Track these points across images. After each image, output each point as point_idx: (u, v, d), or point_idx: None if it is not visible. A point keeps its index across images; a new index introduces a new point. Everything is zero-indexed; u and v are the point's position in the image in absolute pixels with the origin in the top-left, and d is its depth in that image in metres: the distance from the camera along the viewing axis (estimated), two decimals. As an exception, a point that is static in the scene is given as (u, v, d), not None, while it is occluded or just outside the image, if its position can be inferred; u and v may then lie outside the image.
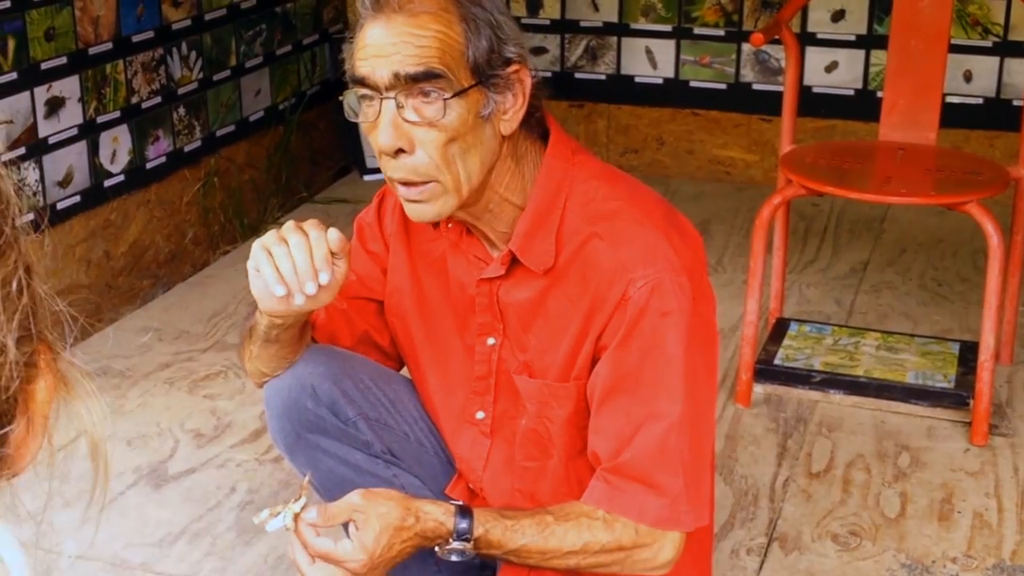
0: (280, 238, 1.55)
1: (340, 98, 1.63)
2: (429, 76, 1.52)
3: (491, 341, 1.73)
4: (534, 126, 1.69)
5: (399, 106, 1.53)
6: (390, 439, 1.87)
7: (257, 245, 1.57)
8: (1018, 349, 3.17)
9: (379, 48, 1.53)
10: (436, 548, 1.61)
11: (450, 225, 1.72)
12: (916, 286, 3.59)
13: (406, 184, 1.59)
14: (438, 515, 1.60)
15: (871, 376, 2.96)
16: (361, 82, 1.55)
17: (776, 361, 3.02)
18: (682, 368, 1.58)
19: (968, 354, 3.00)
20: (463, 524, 1.59)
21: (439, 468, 1.90)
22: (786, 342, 3.11)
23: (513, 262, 1.66)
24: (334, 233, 1.56)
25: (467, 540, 1.59)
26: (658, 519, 1.61)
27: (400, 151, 1.56)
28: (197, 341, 3.27)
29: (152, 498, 2.58)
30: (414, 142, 1.55)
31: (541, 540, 1.60)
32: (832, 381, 2.95)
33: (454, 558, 1.60)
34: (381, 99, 1.54)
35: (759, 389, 2.97)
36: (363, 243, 1.83)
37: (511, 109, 1.58)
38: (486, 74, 1.55)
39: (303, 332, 1.76)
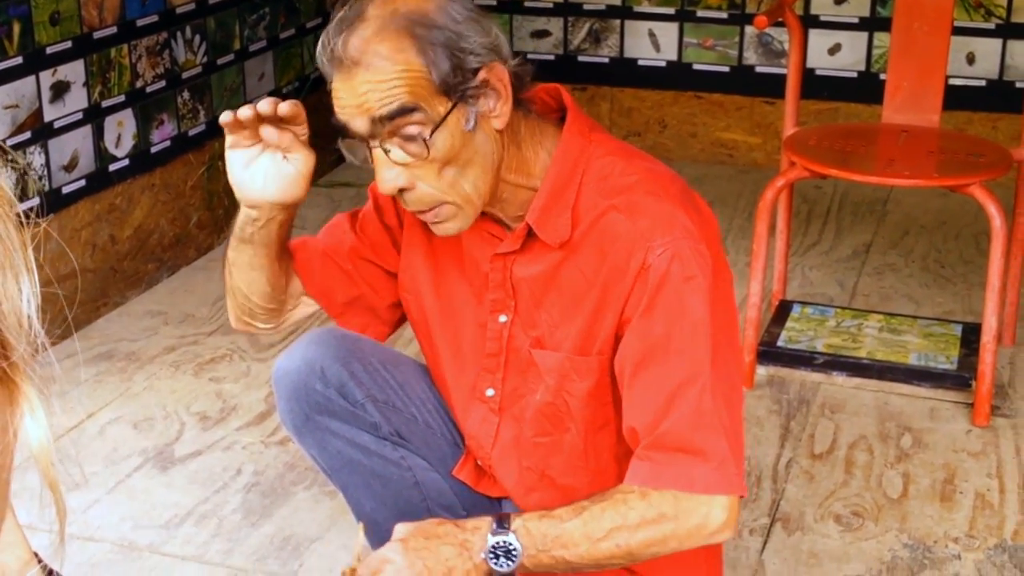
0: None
1: (337, 146, 1.64)
2: (404, 111, 1.53)
3: (503, 319, 1.74)
4: (545, 98, 1.70)
5: (386, 151, 1.56)
6: (398, 421, 1.88)
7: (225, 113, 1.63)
8: (1020, 331, 3.18)
9: (348, 100, 1.55)
10: (483, 555, 1.55)
11: None
12: (919, 268, 3.60)
13: (422, 212, 1.62)
14: (475, 521, 1.60)
15: (874, 358, 2.97)
16: (344, 129, 1.58)
17: (779, 343, 3.04)
18: (709, 331, 1.58)
19: (970, 336, 3.01)
20: (500, 521, 1.57)
21: (447, 450, 1.92)
22: (789, 324, 3.13)
23: (528, 236, 1.67)
24: (285, 104, 1.61)
25: (506, 528, 1.55)
26: (708, 485, 1.57)
27: (403, 190, 1.58)
28: (202, 324, 3.28)
29: (159, 480, 2.60)
30: (412, 178, 1.57)
31: (581, 523, 1.56)
32: (835, 363, 2.97)
33: (500, 565, 1.55)
34: (370, 148, 1.57)
35: (762, 371, 2.98)
36: (377, 210, 1.84)
37: (496, 106, 1.59)
38: (458, 90, 1.55)
39: (279, 240, 1.75)
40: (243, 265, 1.76)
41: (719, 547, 1.89)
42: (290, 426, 1.88)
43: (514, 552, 1.54)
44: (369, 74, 1.52)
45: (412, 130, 1.54)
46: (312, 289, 1.84)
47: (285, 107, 1.59)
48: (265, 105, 1.59)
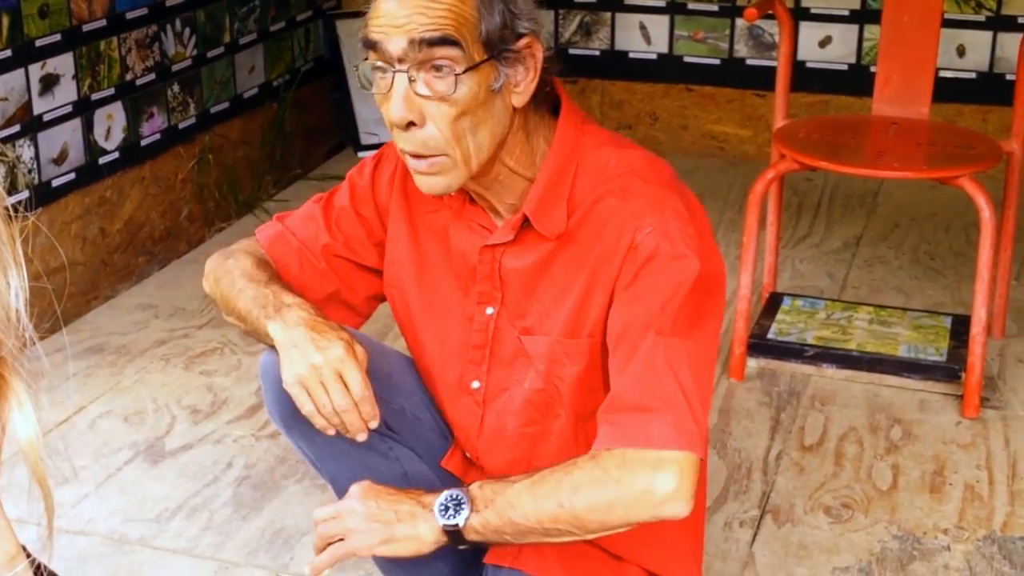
0: (322, 390, 1.62)
1: (355, 65, 1.63)
2: (445, 42, 1.52)
3: (489, 311, 1.74)
4: (544, 99, 1.70)
5: (411, 80, 1.54)
6: (385, 412, 1.88)
7: (297, 384, 1.64)
8: (1010, 322, 3.19)
9: (393, 18, 1.54)
10: (435, 508, 1.59)
11: (452, 194, 1.73)
12: (909, 260, 3.61)
13: (416, 156, 1.60)
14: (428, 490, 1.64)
15: (864, 350, 2.98)
16: (373, 47, 1.56)
17: (769, 335, 3.04)
18: (682, 301, 1.56)
19: (960, 327, 3.02)
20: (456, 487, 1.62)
21: (435, 441, 1.92)
22: (779, 316, 3.13)
23: (523, 228, 1.67)
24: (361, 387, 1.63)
25: (463, 489, 1.58)
26: (664, 439, 1.50)
27: (411, 124, 1.57)
28: (193, 318, 3.28)
29: (149, 474, 2.60)
30: (425, 116, 1.56)
31: (529, 483, 1.56)
32: (825, 355, 2.97)
33: (449, 516, 1.57)
34: (394, 72, 1.55)
35: (752, 363, 2.98)
36: (353, 203, 1.83)
37: (523, 82, 1.60)
38: (498, 48, 1.55)
39: None
40: (242, 324, 1.79)
41: (699, 529, 1.88)
42: (278, 419, 1.88)
43: (462, 504, 1.57)
44: None
45: (444, 62, 1.53)
46: (291, 283, 1.82)
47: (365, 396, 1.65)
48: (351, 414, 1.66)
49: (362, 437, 1.64)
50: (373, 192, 1.82)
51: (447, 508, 1.58)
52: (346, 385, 1.61)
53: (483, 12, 1.54)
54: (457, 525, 1.57)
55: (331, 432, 1.65)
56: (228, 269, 1.79)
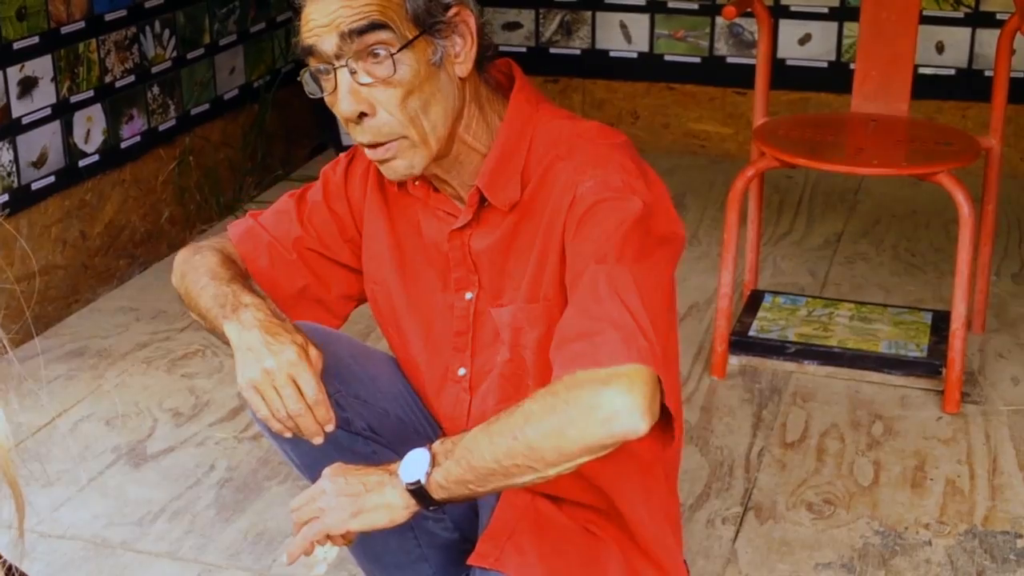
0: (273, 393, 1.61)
1: (298, 79, 1.65)
2: (373, 27, 1.55)
3: (468, 295, 1.74)
4: (491, 73, 1.71)
5: (352, 72, 1.57)
6: (369, 416, 1.88)
7: (251, 389, 1.62)
8: (990, 318, 3.20)
9: (320, 19, 1.57)
10: (400, 475, 1.56)
11: (416, 183, 1.74)
12: (890, 257, 3.62)
13: (374, 145, 1.62)
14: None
15: (845, 346, 2.99)
16: (311, 53, 1.59)
17: (751, 333, 3.05)
18: (627, 235, 1.52)
19: (940, 323, 3.03)
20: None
21: (419, 443, 1.90)
22: (760, 314, 3.14)
23: (480, 205, 1.68)
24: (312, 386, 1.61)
25: (426, 447, 1.56)
26: (614, 354, 1.42)
27: (362, 115, 1.59)
28: (174, 320, 3.27)
29: (131, 477, 2.59)
30: (374, 104, 1.58)
31: (484, 425, 1.52)
32: (806, 352, 2.98)
33: (412, 475, 1.55)
34: (335, 68, 1.58)
35: (734, 361, 2.99)
36: (326, 198, 1.83)
37: (462, 51, 1.62)
38: (428, 22, 1.58)
39: None
40: (204, 320, 1.77)
41: (676, 511, 1.88)
42: (263, 424, 1.87)
43: (422, 459, 1.53)
44: None
45: (380, 49, 1.56)
46: (260, 280, 1.83)
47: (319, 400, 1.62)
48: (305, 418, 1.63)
49: (318, 440, 1.63)
50: (346, 188, 1.82)
51: (409, 468, 1.54)
52: (300, 389, 1.60)
53: None
54: (419, 481, 1.53)
55: (287, 435, 1.64)
56: (194, 265, 1.78)
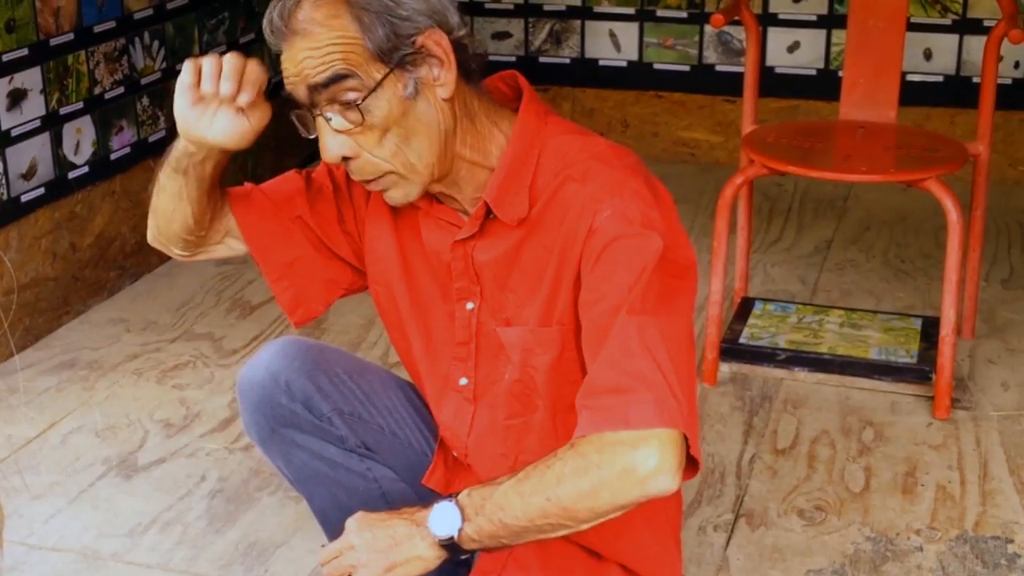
0: (209, 56, 1.60)
1: (291, 117, 1.64)
2: (337, 78, 1.55)
3: (470, 306, 1.74)
4: (502, 86, 1.71)
5: (327, 119, 1.58)
6: (364, 432, 1.88)
7: (188, 62, 1.61)
8: (979, 323, 3.21)
9: (290, 69, 1.58)
10: (432, 529, 1.57)
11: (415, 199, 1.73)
12: (879, 263, 3.63)
13: (367, 182, 1.63)
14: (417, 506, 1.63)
15: (835, 353, 2.99)
16: (291, 101, 1.60)
17: (741, 340, 3.05)
18: (651, 281, 1.54)
19: (930, 329, 3.03)
20: (450, 496, 1.60)
21: (414, 459, 1.91)
22: (751, 321, 3.14)
23: (486, 218, 1.67)
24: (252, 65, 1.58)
25: (452, 499, 1.57)
26: (645, 418, 1.47)
27: (346, 158, 1.60)
28: (165, 331, 3.27)
29: (122, 489, 2.59)
30: (355, 147, 1.59)
31: (514, 481, 1.54)
32: (797, 359, 2.99)
33: (443, 529, 1.56)
34: (313, 116, 1.59)
35: (725, 368, 3.00)
36: (334, 190, 1.81)
37: (440, 74, 1.59)
38: (394, 57, 1.56)
39: (212, 177, 1.72)
40: (172, 193, 1.73)
41: (677, 528, 1.89)
42: (255, 438, 1.87)
43: (454, 514, 1.56)
44: (306, 42, 1.55)
45: (349, 96, 1.56)
46: (252, 244, 1.81)
47: (252, 68, 1.58)
48: (230, 64, 1.57)
49: (243, 99, 1.57)
50: (349, 186, 1.81)
51: (439, 522, 1.57)
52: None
53: (364, 30, 1.55)
54: (452, 537, 1.56)
55: (209, 91, 1.59)
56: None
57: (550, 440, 1.71)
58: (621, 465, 1.47)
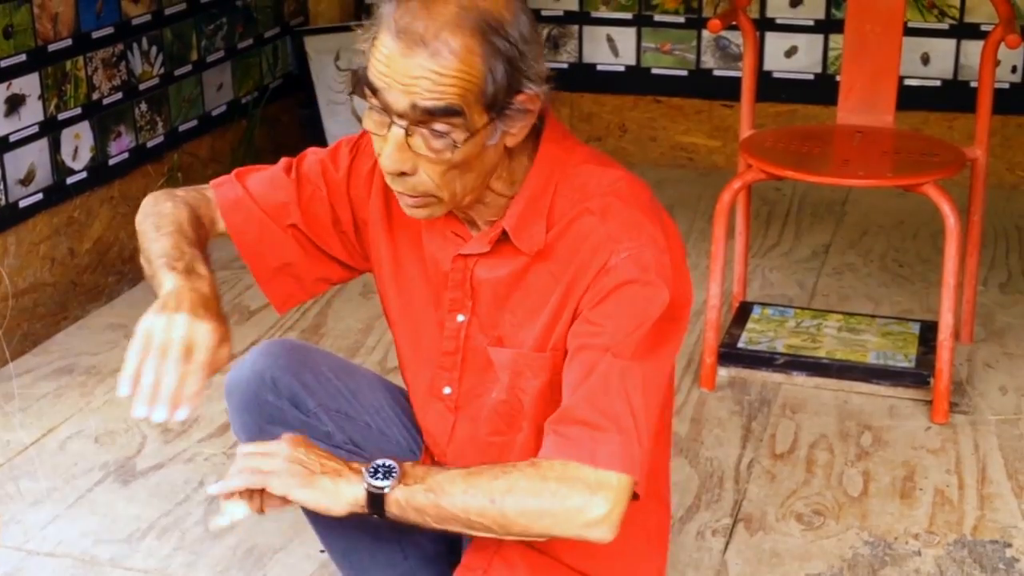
0: (163, 348, 1.52)
1: (349, 94, 1.61)
2: (447, 112, 1.50)
3: (460, 318, 1.74)
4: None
5: (408, 134, 1.52)
6: (351, 429, 1.88)
7: (143, 332, 1.54)
8: (978, 327, 3.21)
9: (399, 74, 1.50)
10: (365, 474, 1.56)
11: None
12: (877, 268, 3.63)
13: (404, 195, 1.61)
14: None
15: (833, 357, 2.99)
16: (374, 90, 1.53)
17: (740, 344, 3.05)
18: (647, 330, 1.56)
19: (928, 334, 3.04)
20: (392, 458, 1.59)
21: (402, 457, 1.91)
22: (749, 325, 3.14)
23: (499, 241, 1.67)
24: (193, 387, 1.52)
25: (393, 464, 1.56)
26: (610, 457, 1.51)
27: (402, 173, 1.56)
28: (163, 337, 3.26)
29: (120, 494, 2.59)
30: (417, 167, 1.55)
31: (465, 473, 1.55)
32: (795, 363, 2.99)
33: (376, 478, 1.55)
34: (391, 122, 1.53)
35: (723, 372, 3.00)
36: (328, 191, 1.79)
37: (518, 128, 1.58)
38: (499, 107, 1.53)
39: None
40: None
41: (665, 545, 1.89)
42: (244, 438, 1.87)
43: (393, 471, 1.55)
44: (431, 62, 1.48)
45: (444, 128, 1.51)
46: (243, 251, 1.80)
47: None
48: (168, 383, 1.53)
49: (157, 415, 1.53)
50: (348, 187, 1.80)
51: (376, 472, 1.56)
52: (186, 358, 1.52)
53: (489, 75, 1.51)
54: (383, 489, 1.54)
55: (126, 391, 1.55)
56: (163, 212, 1.73)
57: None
58: (574, 502, 1.50)
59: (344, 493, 1.56)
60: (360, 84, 1.56)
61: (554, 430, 1.55)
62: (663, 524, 1.89)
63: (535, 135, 1.66)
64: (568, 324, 1.64)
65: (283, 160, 1.84)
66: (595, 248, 1.60)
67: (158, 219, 1.72)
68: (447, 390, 1.79)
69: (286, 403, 1.83)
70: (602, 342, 1.56)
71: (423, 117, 1.51)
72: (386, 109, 1.53)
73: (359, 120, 1.61)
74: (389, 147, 1.54)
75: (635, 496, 1.55)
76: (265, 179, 1.82)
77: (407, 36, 1.49)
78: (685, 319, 1.66)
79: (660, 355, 1.60)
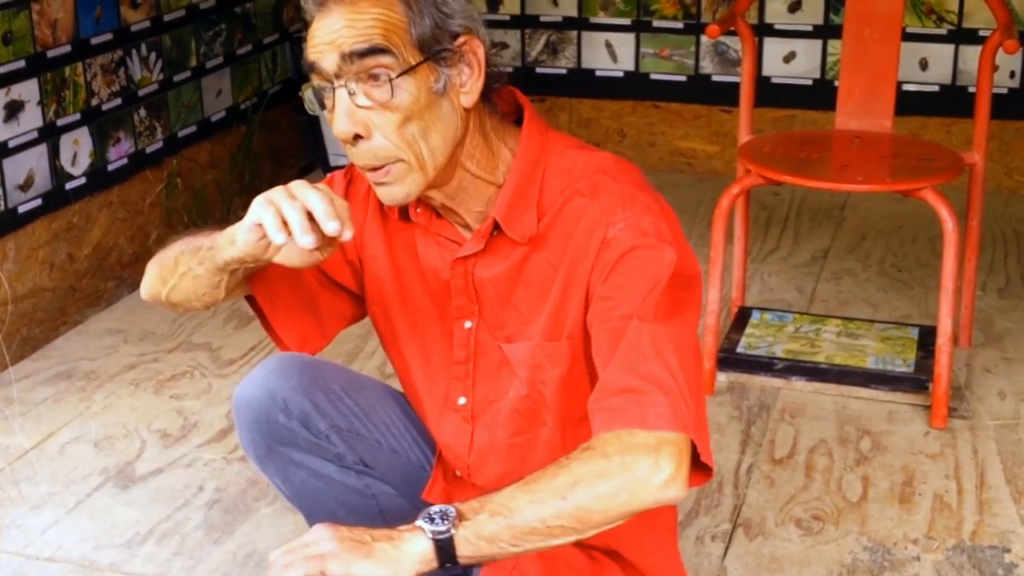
0: (288, 193, 1.49)
1: (300, 94, 1.63)
2: (375, 51, 1.53)
3: (468, 324, 1.73)
4: (506, 107, 1.70)
5: (350, 93, 1.55)
6: (362, 449, 1.87)
7: (261, 201, 1.49)
8: (976, 332, 3.21)
9: (323, 36, 1.55)
10: (424, 525, 1.44)
11: (418, 210, 1.72)
12: (876, 272, 3.64)
13: (372, 169, 1.60)
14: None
15: (832, 362, 3.00)
16: (313, 69, 1.58)
17: (739, 349, 3.06)
18: (664, 292, 1.55)
19: (927, 338, 3.04)
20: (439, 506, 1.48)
21: (413, 474, 1.90)
22: (748, 330, 3.15)
23: (492, 236, 1.66)
24: (342, 201, 1.51)
25: (447, 508, 1.45)
26: (661, 418, 1.44)
27: (358, 137, 1.57)
28: (162, 342, 3.27)
29: (120, 499, 2.59)
30: (370, 127, 1.56)
31: (522, 484, 1.46)
32: (794, 368, 2.99)
33: (440, 526, 1.43)
34: (334, 88, 1.56)
35: (722, 377, 3.00)
36: None
37: (468, 81, 1.60)
38: (433, 49, 1.56)
39: (242, 283, 1.71)
40: (206, 283, 1.67)
41: (675, 543, 1.89)
42: (252, 456, 1.86)
43: (447, 513, 1.44)
44: (349, 12, 1.54)
45: (380, 72, 1.54)
46: (260, 294, 1.78)
47: (341, 205, 1.50)
48: (320, 208, 1.47)
49: (347, 234, 1.48)
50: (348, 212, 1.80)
51: (432, 519, 1.43)
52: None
53: (412, 16, 1.55)
54: (448, 532, 1.42)
55: (279, 238, 1.46)
56: (166, 252, 1.74)
57: (558, 454, 1.65)
58: (643, 468, 1.43)
59: (408, 553, 1.43)
60: (310, 74, 1.59)
61: (598, 407, 1.49)
62: (671, 524, 1.89)
63: (515, 125, 1.67)
64: (580, 307, 1.62)
65: None
66: (591, 226, 1.60)
67: (165, 256, 1.74)
68: (462, 400, 1.78)
69: (297, 424, 1.81)
70: (622, 312, 1.54)
71: (356, 65, 1.54)
72: (326, 77, 1.56)
73: None
74: (338, 112, 1.56)
75: (706, 468, 1.49)
76: None
77: (325, 2, 1.55)
78: (698, 289, 1.62)
79: (683, 320, 1.56)
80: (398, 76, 1.54)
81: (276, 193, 1.49)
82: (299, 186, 1.50)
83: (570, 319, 1.64)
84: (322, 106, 1.61)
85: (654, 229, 1.58)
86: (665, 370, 1.49)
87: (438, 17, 1.56)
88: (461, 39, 1.58)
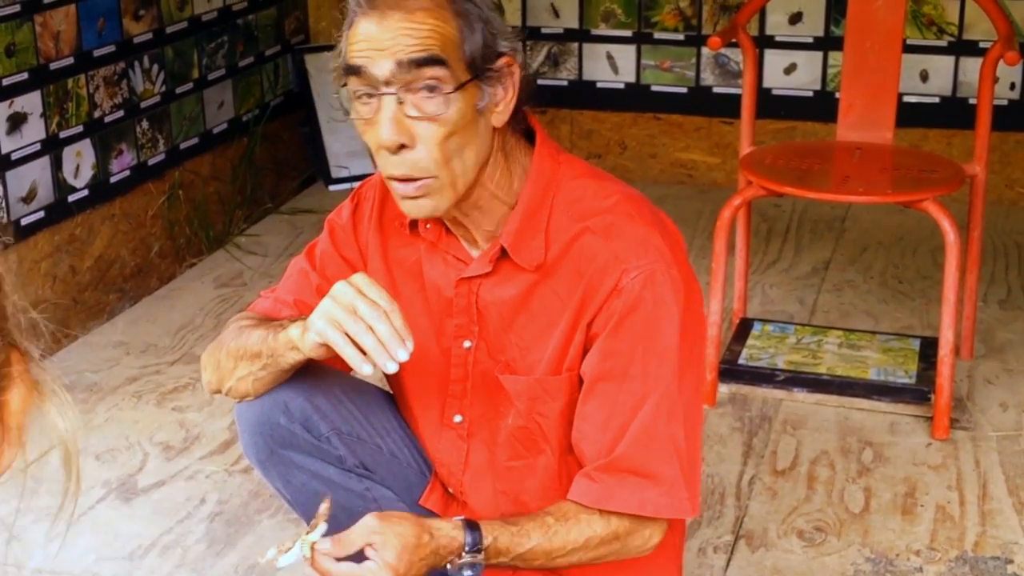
0: (350, 310, 1.54)
1: (335, 93, 1.62)
2: (432, 62, 1.53)
3: (467, 344, 1.73)
4: (518, 124, 1.71)
5: (400, 101, 1.54)
6: (363, 452, 1.87)
7: (324, 320, 1.55)
8: (978, 344, 3.21)
9: (376, 42, 1.54)
10: (448, 565, 1.61)
11: (428, 226, 1.72)
12: (877, 284, 3.64)
13: (405, 180, 1.59)
14: (449, 530, 1.61)
15: (834, 374, 3.00)
16: (356, 73, 1.56)
17: (740, 361, 3.06)
18: (676, 358, 1.61)
19: (929, 350, 3.04)
20: (472, 536, 1.61)
21: (413, 479, 1.91)
22: (750, 342, 3.15)
23: (500, 259, 1.67)
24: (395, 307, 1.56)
25: (478, 551, 1.61)
26: (658, 508, 1.65)
27: (402, 146, 1.56)
28: (164, 354, 3.27)
29: (122, 512, 2.59)
30: (415, 137, 1.56)
31: (546, 541, 1.63)
32: (796, 379, 2.99)
33: (467, 573, 1.61)
34: (380, 95, 1.55)
35: (724, 389, 3.00)
36: (336, 247, 1.82)
37: (502, 101, 1.60)
38: (481, 68, 1.56)
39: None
40: (260, 381, 1.74)
41: (679, 555, 1.90)
42: (254, 460, 1.87)
43: (478, 565, 1.62)
44: (407, 19, 1.53)
45: (432, 81, 1.53)
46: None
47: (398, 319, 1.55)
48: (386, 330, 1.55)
49: (403, 355, 1.54)
50: (355, 233, 1.81)
51: (461, 570, 1.62)
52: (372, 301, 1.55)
53: (465, 32, 1.55)
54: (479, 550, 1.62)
55: (366, 369, 1.55)
56: (220, 340, 1.79)
57: (553, 482, 1.75)
58: (638, 543, 1.69)
59: (447, 546, 1.62)
60: (344, 77, 1.58)
61: (601, 479, 1.64)
62: (679, 536, 1.89)
63: (528, 144, 1.68)
64: (581, 344, 1.65)
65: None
66: (603, 269, 1.61)
67: (222, 345, 1.79)
68: (458, 418, 1.78)
69: (298, 427, 1.81)
70: (635, 375, 1.61)
71: (410, 74, 1.53)
72: (373, 83, 1.55)
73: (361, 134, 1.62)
74: (384, 119, 1.54)
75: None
76: (284, 276, 1.87)
77: (380, 5, 1.54)
78: (703, 322, 1.72)
79: (694, 376, 1.67)
80: (454, 91, 1.54)
81: (338, 311, 1.54)
82: (357, 301, 1.54)
83: (571, 354, 1.67)
84: (346, 112, 1.60)
85: (667, 279, 1.61)
86: (673, 454, 1.63)
87: (487, 36, 1.57)
88: (505, 59, 1.59)
